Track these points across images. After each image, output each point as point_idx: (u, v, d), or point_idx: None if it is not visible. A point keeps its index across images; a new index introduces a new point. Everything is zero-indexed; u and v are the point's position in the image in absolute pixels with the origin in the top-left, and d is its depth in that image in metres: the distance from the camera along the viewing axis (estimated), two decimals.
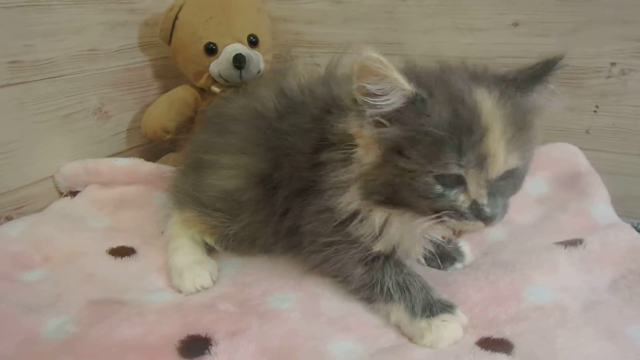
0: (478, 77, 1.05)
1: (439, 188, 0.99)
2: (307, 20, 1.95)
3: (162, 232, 1.43)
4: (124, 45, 1.81)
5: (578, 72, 1.54)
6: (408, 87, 0.96)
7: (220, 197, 1.29)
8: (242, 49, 1.68)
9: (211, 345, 1.04)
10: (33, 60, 1.53)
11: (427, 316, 1.09)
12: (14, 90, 1.49)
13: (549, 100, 1.08)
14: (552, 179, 1.51)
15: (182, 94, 1.81)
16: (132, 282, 1.28)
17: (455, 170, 0.98)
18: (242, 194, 1.26)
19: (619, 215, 1.42)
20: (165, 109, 1.78)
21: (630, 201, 1.59)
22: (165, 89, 1.93)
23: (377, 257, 1.15)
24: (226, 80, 1.70)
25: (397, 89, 0.96)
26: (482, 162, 0.98)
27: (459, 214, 1.01)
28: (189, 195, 1.34)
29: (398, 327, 1.13)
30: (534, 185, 1.47)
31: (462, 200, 1.01)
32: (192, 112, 1.79)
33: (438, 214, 1.02)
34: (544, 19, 1.46)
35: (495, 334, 1.07)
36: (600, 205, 1.42)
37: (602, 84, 1.55)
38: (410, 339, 1.10)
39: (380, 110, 0.98)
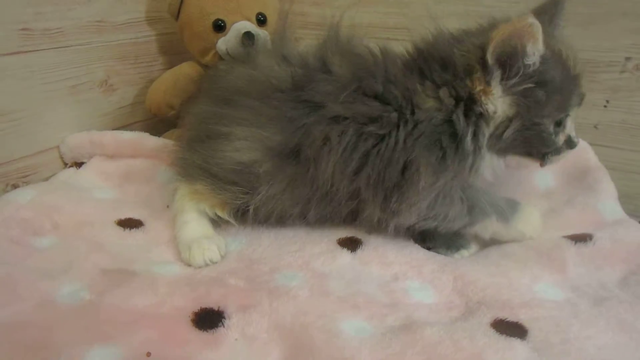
0: None
1: (553, 135, 1.19)
2: (313, 2, 1.94)
3: (168, 206, 1.43)
4: (131, 19, 1.80)
5: (591, 65, 1.52)
6: (543, 49, 1.08)
7: (236, 170, 1.28)
8: (251, 27, 1.67)
9: (224, 318, 1.05)
10: (43, 29, 1.53)
11: (513, 215, 1.27)
12: (25, 58, 1.49)
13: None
14: (560, 173, 1.49)
15: (188, 70, 1.80)
16: (141, 253, 1.28)
17: (568, 111, 1.18)
18: (259, 166, 1.26)
19: (626, 213, 1.42)
20: (171, 85, 1.78)
21: (637, 199, 1.58)
22: (170, 64, 1.93)
23: (471, 186, 1.24)
24: (233, 59, 1.69)
25: (538, 53, 1.09)
26: (580, 100, 1.20)
27: (558, 151, 1.22)
28: (200, 168, 1.33)
29: (494, 238, 1.31)
30: (541, 178, 1.47)
31: (560, 139, 1.20)
32: (197, 89, 1.77)
33: (545, 157, 1.23)
34: None
35: (510, 316, 1.08)
36: (607, 202, 1.42)
37: (615, 78, 1.53)
38: (513, 240, 1.30)
39: (526, 71, 1.11)
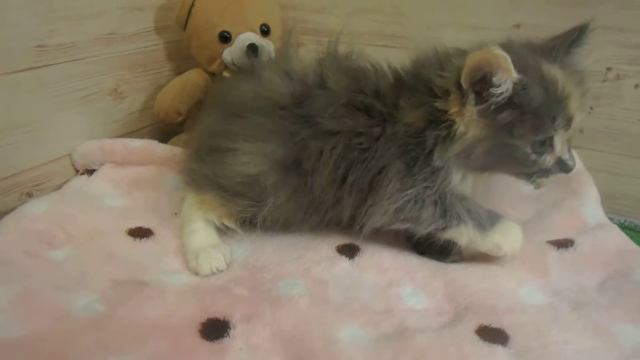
0: (535, 51, 1.22)
1: (533, 156, 1.20)
2: (314, 9, 2.00)
3: (176, 214, 1.49)
4: (140, 29, 1.86)
5: None
6: (516, 75, 1.10)
7: (244, 183, 1.34)
8: (255, 38, 1.73)
9: (229, 328, 1.10)
10: (57, 44, 1.58)
11: (492, 227, 1.27)
12: (38, 73, 1.55)
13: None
14: None
15: (195, 77, 1.85)
16: (151, 263, 1.33)
17: (550, 134, 1.18)
18: (265, 179, 1.32)
19: (608, 212, 1.50)
20: (178, 92, 1.84)
21: (619, 199, 1.67)
22: (177, 70, 2.00)
23: (447, 195, 1.27)
24: (238, 68, 1.74)
25: (510, 79, 1.10)
26: (568, 123, 1.19)
27: (546, 172, 1.23)
28: (209, 179, 1.38)
29: (470, 247, 1.31)
30: None
31: (548, 160, 1.21)
32: (203, 95, 1.84)
33: (530, 177, 1.25)
34: (545, 23, 1.49)
35: (493, 322, 1.13)
36: (590, 205, 1.48)
37: (598, 87, 1.62)
38: (489, 252, 1.30)
39: (495, 99, 1.13)
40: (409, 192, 1.24)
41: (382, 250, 1.38)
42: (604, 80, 1.62)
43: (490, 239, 1.26)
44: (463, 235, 1.27)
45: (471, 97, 1.14)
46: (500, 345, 1.07)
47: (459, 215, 1.26)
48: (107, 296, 1.19)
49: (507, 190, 1.49)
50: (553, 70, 1.18)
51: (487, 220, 1.27)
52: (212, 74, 1.85)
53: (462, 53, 1.21)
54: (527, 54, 1.20)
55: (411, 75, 1.30)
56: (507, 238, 1.27)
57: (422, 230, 1.30)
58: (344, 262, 1.35)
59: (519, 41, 1.27)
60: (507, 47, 1.19)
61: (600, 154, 1.68)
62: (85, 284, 1.23)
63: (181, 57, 2.01)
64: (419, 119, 1.23)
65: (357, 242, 1.40)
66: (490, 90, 1.12)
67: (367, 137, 1.27)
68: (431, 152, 1.22)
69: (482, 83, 1.12)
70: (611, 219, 1.49)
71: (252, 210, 1.37)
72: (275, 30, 1.82)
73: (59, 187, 1.66)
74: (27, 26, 1.50)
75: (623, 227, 1.54)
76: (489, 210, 1.29)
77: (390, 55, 1.38)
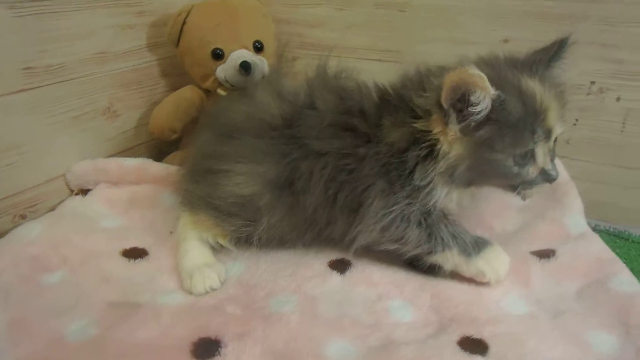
0: (516, 65, 1.23)
1: (515, 169, 1.20)
2: (309, 24, 2.01)
3: (171, 233, 1.49)
4: (132, 47, 1.85)
5: None
6: (494, 92, 1.10)
7: (237, 203, 1.35)
8: (248, 55, 1.73)
9: (221, 347, 1.10)
10: (46, 66, 1.58)
11: (477, 253, 1.27)
12: (28, 95, 1.54)
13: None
14: None
15: (189, 94, 1.85)
16: (145, 283, 1.33)
17: (530, 146, 1.19)
18: (258, 199, 1.33)
19: (594, 220, 1.57)
20: (172, 109, 1.83)
21: (604, 207, 1.70)
22: (172, 86, 1.99)
23: (431, 213, 1.27)
24: (232, 85, 1.75)
25: (488, 96, 1.11)
26: (548, 135, 1.20)
27: (530, 183, 1.24)
28: (202, 200, 1.39)
29: (456, 271, 1.31)
30: None
31: (532, 171, 1.22)
32: (198, 112, 1.84)
33: (516, 189, 1.26)
34: (532, 37, 1.50)
35: (475, 333, 1.15)
36: (573, 215, 1.51)
37: (583, 99, 1.66)
38: (474, 278, 1.30)
39: (475, 117, 1.14)
40: (393, 208, 1.25)
41: (373, 265, 1.39)
42: (589, 94, 1.66)
43: (474, 265, 1.28)
44: (449, 260, 1.29)
45: (453, 116, 1.15)
46: (479, 356, 1.09)
47: (444, 241, 1.27)
48: (101, 319, 1.19)
49: (494, 202, 1.52)
50: (531, 84, 1.19)
51: (473, 247, 1.28)
52: (207, 91, 1.85)
53: (443, 72, 1.21)
54: (506, 69, 1.21)
55: (395, 94, 1.31)
56: (491, 265, 1.28)
57: (408, 251, 1.31)
58: (335, 277, 1.35)
59: (502, 56, 1.29)
60: (487, 62, 1.23)
61: (586, 164, 1.73)
62: (79, 307, 1.23)
63: (175, 73, 2.01)
64: (401, 139, 1.24)
65: (349, 257, 1.41)
66: (469, 108, 1.12)
67: (353, 158, 1.28)
68: (412, 172, 1.23)
69: (462, 102, 1.13)
70: (597, 226, 1.57)
71: (246, 230, 1.38)
72: (268, 46, 1.82)
73: (53, 208, 1.66)
74: (14, 47, 1.50)
75: (608, 233, 1.61)
76: (477, 237, 1.31)
77: (385, 70, 1.40)
